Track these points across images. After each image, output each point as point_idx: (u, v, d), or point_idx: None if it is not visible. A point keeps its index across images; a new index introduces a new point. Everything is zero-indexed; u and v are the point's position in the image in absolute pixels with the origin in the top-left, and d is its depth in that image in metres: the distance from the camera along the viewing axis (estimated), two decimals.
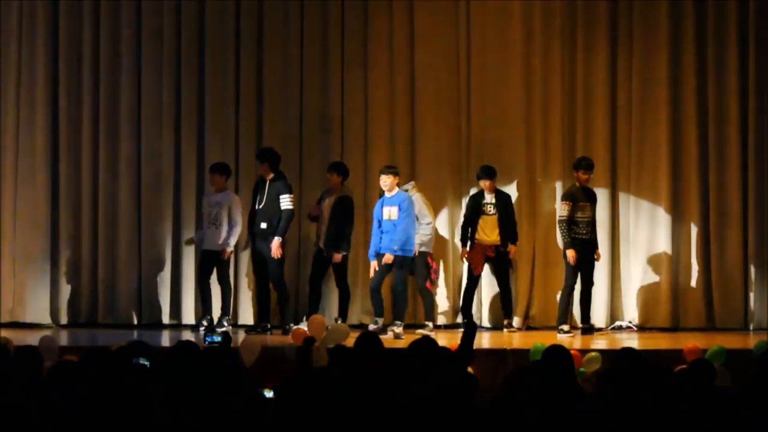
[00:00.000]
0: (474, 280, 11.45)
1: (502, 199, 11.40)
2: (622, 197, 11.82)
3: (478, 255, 11.38)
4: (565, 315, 11.02)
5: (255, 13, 12.06)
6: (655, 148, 11.73)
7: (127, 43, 12.04)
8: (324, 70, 12.05)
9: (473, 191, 11.68)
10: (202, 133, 12.09)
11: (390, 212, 10.79)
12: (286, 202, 11.09)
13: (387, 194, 10.86)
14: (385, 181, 10.85)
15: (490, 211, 11.40)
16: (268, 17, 12.07)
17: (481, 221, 11.38)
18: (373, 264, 10.89)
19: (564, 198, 11.17)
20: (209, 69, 12.06)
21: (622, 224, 11.81)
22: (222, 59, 12.06)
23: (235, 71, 12.09)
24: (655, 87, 11.73)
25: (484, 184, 11.39)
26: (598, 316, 11.56)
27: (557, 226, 11.22)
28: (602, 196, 11.58)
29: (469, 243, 11.44)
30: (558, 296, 11.32)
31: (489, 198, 11.39)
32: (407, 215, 10.77)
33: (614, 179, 11.79)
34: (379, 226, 10.85)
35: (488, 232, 11.39)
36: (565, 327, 10.94)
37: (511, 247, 11.37)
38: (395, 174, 10.91)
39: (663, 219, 11.69)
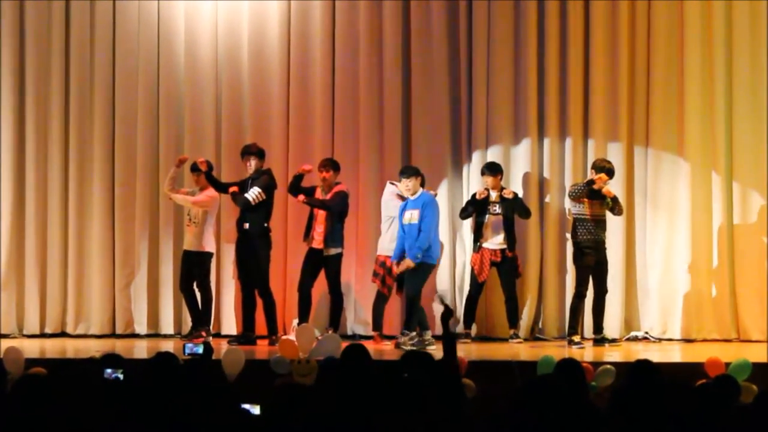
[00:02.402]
0: (478, 287, 11.44)
1: (509, 199, 11.39)
2: (639, 201, 11.80)
3: (482, 260, 11.38)
4: (576, 325, 11.01)
5: (235, 10, 12.14)
6: (676, 149, 11.72)
7: (101, 41, 12.08)
8: (312, 68, 12.08)
9: (474, 190, 11.65)
10: (181, 131, 12.10)
11: (412, 215, 10.70)
12: (252, 192, 11.01)
13: (411, 197, 10.78)
14: (408, 184, 10.76)
15: (495, 210, 11.40)
16: (266, 19, 12.12)
17: (485, 223, 11.39)
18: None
19: (573, 185, 11.16)
20: (186, 67, 12.11)
21: (638, 229, 11.80)
22: (199, 58, 12.10)
23: (215, 69, 12.11)
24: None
25: (488, 181, 11.39)
26: (612, 325, 11.54)
27: (571, 198, 11.04)
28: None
29: (473, 247, 11.46)
30: (568, 304, 11.32)
31: (494, 197, 11.40)
32: (431, 218, 10.66)
33: (630, 183, 11.77)
34: (403, 231, 10.71)
35: (493, 234, 11.38)
36: (576, 338, 10.93)
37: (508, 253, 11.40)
38: (417, 175, 10.80)
39: (683, 222, 11.66)
